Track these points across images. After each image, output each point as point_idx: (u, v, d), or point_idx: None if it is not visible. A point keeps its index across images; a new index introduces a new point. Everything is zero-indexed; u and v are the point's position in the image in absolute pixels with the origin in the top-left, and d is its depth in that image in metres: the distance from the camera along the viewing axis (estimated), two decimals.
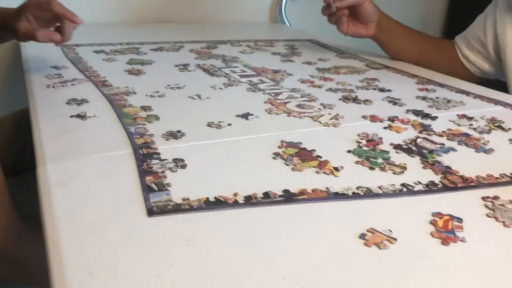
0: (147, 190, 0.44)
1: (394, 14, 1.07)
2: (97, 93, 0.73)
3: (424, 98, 0.80)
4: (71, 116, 0.63)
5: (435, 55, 1.05)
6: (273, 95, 0.78)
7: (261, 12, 1.60)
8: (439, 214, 0.44)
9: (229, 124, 0.63)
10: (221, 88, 0.80)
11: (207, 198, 0.44)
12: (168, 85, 0.79)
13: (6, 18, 0.74)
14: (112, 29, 1.33)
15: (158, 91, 0.76)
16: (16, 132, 0.84)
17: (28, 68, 0.85)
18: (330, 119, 0.67)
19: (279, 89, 0.81)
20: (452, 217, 0.43)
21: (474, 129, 0.66)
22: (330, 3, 0.99)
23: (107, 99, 0.70)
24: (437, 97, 0.81)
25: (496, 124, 0.68)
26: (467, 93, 0.84)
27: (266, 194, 0.45)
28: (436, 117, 0.70)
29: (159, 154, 0.52)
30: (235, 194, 0.45)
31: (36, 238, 0.39)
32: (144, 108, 0.67)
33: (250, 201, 0.44)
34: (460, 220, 0.43)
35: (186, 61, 0.98)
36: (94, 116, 0.63)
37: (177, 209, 0.42)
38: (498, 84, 0.99)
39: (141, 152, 0.52)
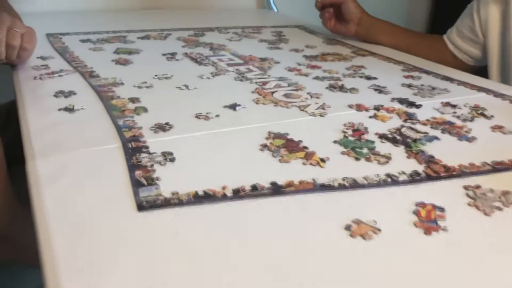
0: (136, 184, 0.45)
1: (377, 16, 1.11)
2: (84, 85, 0.73)
3: (409, 86, 0.81)
4: (59, 109, 0.63)
5: (423, 49, 1.07)
6: (260, 84, 0.78)
7: None
8: (422, 204, 0.45)
9: (217, 115, 0.64)
10: (208, 78, 0.81)
11: (196, 192, 0.44)
12: (156, 75, 0.79)
13: None
14: (99, 17, 1.32)
15: (146, 82, 0.76)
16: (6, 125, 0.83)
17: None
18: (317, 109, 0.68)
19: (267, 78, 0.82)
20: (434, 206, 0.45)
21: (458, 117, 0.68)
22: None
23: (95, 90, 0.71)
24: (422, 85, 0.82)
25: (479, 112, 0.70)
26: (451, 80, 0.85)
27: (254, 187, 0.46)
28: (420, 105, 0.71)
29: (147, 147, 0.53)
30: (224, 187, 0.46)
31: (30, 217, 0.40)
32: (132, 100, 0.67)
33: (238, 194, 0.45)
34: (442, 209, 0.44)
35: (173, 49, 0.98)
36: (82, 109, 0.64)
37: (167, 203, 0.43)
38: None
39: (130, 146, 0.53)
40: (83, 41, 1.01)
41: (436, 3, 2.00)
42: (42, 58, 0.86)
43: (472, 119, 0.67)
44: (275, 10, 1.57)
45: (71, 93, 0.69)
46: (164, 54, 0.94)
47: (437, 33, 1.13)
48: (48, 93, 0.69)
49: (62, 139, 0.55)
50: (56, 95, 0.68)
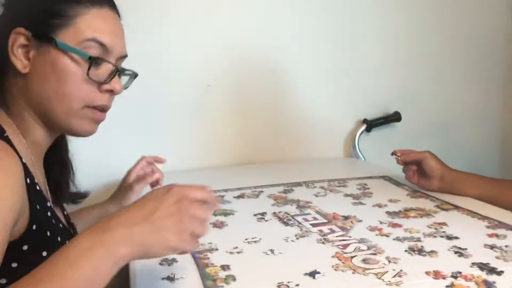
0: None
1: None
2: None
3: (492, 247, 0.81)
4: (162, 278, 0.74)
5: None
6: (341, 247, 0.84)
7: (337, 147, 1.71)
8: None
9: (297, 285, 0.70)
10: (293, 241, 0.88)
11: None
12: (246, 239, 0.89)
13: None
14: (200, 175, 1.49)
15: (237, 247, 0.85)
16: None
17: None
18: (393, 276, 0.71)
19: (347, 239, 0.87)
20: None
21: None
22: (395, 153, 1.15)
23: (193, 257, 0.81)
24: (506, 245, 0.81)
25: None
26: None
27: None
28: (502, 271, 0.71)
29: None
30: None
31: None
32: (224, 268, 0.76)
33: None
34: None
35: (263, 209, 1.08)
36: (181, 277, 0.74)
37: None
38: None
39: None
40: None
41: None
42: None
43: None
44: (362, 159, 1.66)
45: (173, 261, 0.80)
46: (255, 215, 1.04)
47: None
48: (155, 260, 0.80)
49: None
50: (161, 263, 0.79)
